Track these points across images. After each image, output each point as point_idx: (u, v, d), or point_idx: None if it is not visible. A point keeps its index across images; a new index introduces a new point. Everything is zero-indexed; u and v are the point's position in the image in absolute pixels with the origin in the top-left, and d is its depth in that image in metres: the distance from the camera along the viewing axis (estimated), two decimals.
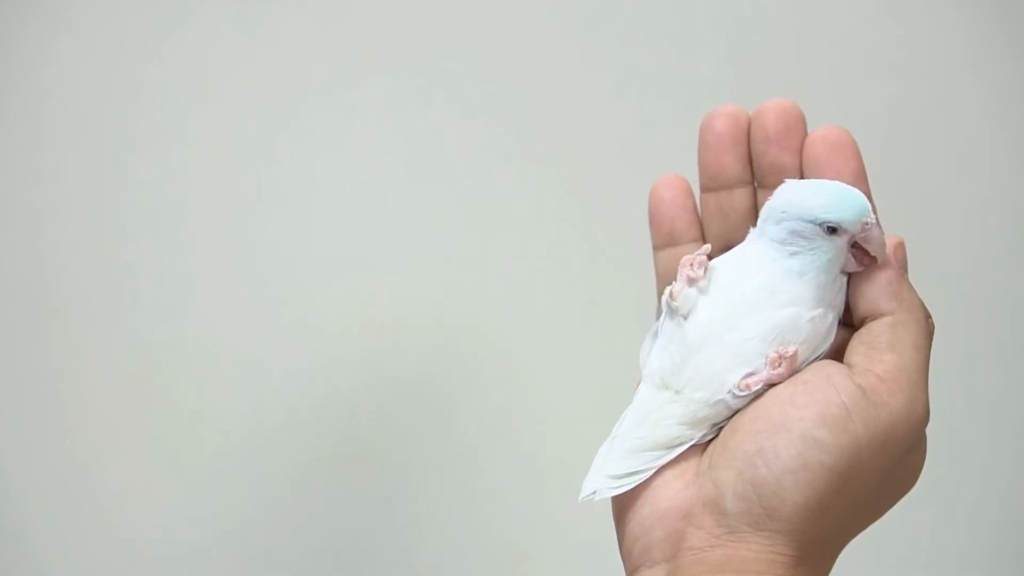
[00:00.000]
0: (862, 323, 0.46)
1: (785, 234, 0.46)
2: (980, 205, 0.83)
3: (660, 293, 0.49)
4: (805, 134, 0.48)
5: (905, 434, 0.43)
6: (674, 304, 0.47)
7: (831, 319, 0.46)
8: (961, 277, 0.83)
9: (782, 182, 0.47)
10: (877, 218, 0.47)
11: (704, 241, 0.50)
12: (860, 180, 0.47)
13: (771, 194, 0.47)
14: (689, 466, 0.45)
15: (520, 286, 0.84)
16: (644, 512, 0.45)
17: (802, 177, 0.48)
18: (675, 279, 0.48)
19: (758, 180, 0.49)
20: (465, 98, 0.83)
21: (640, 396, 0.47)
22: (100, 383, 0.84)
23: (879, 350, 0.44)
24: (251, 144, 0.84)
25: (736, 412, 0.45)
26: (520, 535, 0.85)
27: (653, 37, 0.83)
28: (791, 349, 0.45)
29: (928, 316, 0.46)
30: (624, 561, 0.46)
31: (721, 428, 0.46)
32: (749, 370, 0.45)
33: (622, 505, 0.46)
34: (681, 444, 0.46)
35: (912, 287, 0.46)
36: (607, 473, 0.46)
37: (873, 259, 0.46)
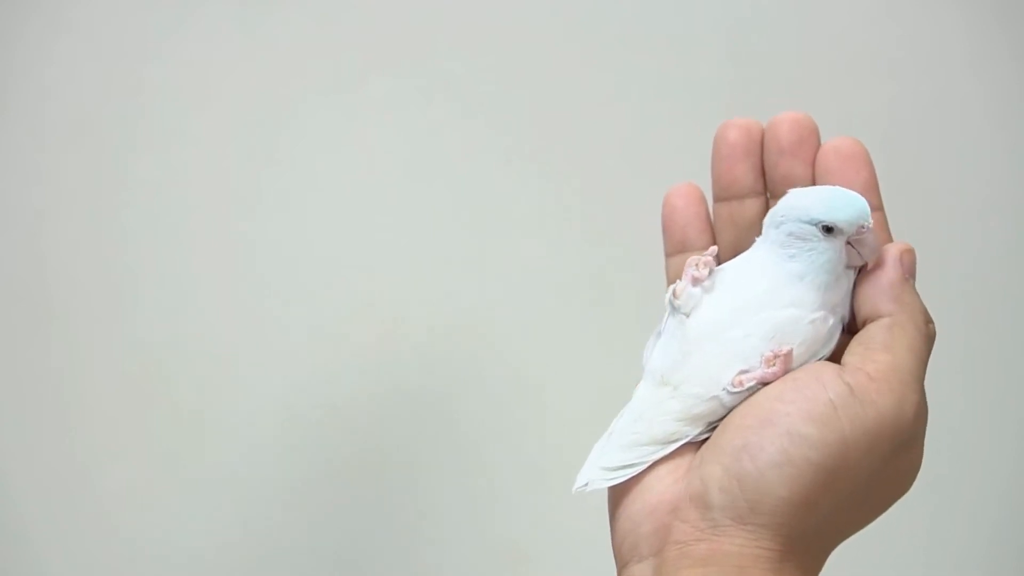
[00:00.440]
0: (863, 325, 0.46)
1: (784, 236, 0.47)
2: (980, 205, 0.83)
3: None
4: (818, 145, 0.49)
5: (893, 434, 0.43)
6: (677, 302, 0.48)
7: (832, 322, 0.46)
8: (961, 277, 0.83)
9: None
10: (887, 225, 0.48)
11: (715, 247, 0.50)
12: (870, 190, 0.48)
13: None
14: (682, 463, 0.46)
15: (520, 286, 0.84)
16: (635, 507, 0.45)
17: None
18: (679, 280, 0.48)
19: (770, 191, 0.50)
20: (465, 98, 0.84)
21: (639, 392, 0.48)
22: (100, 383, 0.84)
23: (873, 350, 0.45)
24: (251, 144, 0.84)
25: (731, 410, 0.46)
26: (521, 535, 0.85)
27: (653, 37, 0.83)
28: (786, 348, 0.45)
29: (929, 321, 0.46)
30: (615, 557, 0.46)
31: (716, 427, 0.46)
32: (745, 367, 0.45)
33: (615, 501, 0.47)
34: (676, 440, 0.46)
35: (915, 292, 0.47)
36: (601, 465, 0.47)
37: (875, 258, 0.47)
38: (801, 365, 0.46)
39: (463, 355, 0.84)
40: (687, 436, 0.46)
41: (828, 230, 0.46)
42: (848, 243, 0.46)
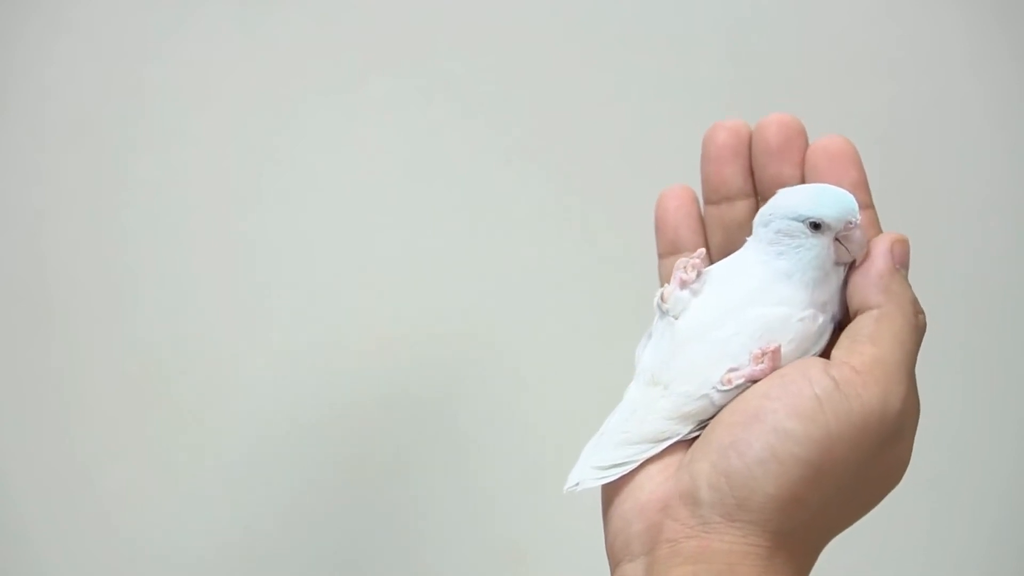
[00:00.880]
0: (855, 317, 0.47)
1: (772, 234, 0.47)
2: (980, 205, 0.83)
3: None
4: (806, 146, 0.49)
5: (879, 428, 0.43)
6: (664, 306, 0.48)
7: (821, 320, 0.47)
8: (961, 277, 0.83)
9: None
10: (878, 223, 0.48)
11: (707, 250, 0.50)
12: (859, 188, 0.48)
13: None
14: (673, 461, 0.46)
15: (519, 285, 0.84)
16: (626, 506, 0.46)
17: None
18: (667, 283, 0.49)
19: (760, 193, 0.50)
20: (465, 98, 0.84)
21: (630, 392, 0.48)
22: (100, 383, 0.84)
23: (860, 343, 0.45)
24: (251, 144, 0.84)
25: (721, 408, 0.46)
26: (519, 536, 0.85)
27: (653, 37, 0.83)
28: (774, 344, 0.45)
29: (919, 312, 0.46)
30: (608, 556, 0.46)
31: (706, 425, 0.46)
32: (734, 365, 0.45)
33: (607, 500, 0.47)
34: (667, 439, 0.46)
35: (906, 283, 0.46)
36: (592, 464, 0.47)
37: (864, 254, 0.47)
38: (789, 362, 0.46)
39: (462, 355, 0.84)
40: (678, 435, 0.46)
41: (815, 226, 0.46)
42: (836, 239, 0.46)
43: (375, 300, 0.84)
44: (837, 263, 0.47)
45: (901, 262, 0.46)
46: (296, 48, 0.83)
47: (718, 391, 0.45)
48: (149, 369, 0.84)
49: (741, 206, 0.50)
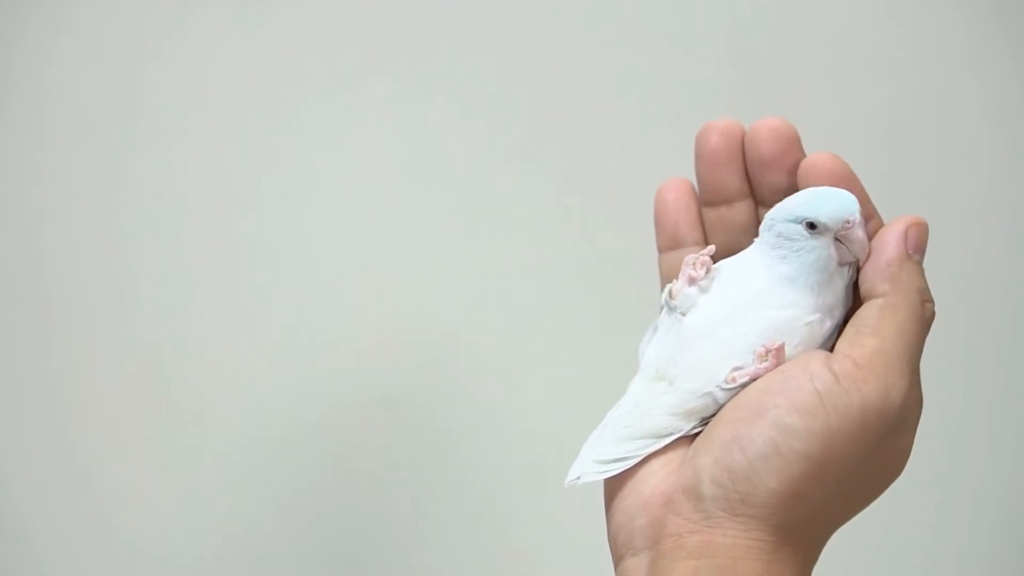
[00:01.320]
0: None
1: (774, 238, 0.47)
2: (980, 205, 0.83)
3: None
4: (801, 153, 0.48)
5: (879, 422, 0.43)
6: (672, 302, 0.48)
7: (829, 325, 0.46)
8: (961, 277, 0.83)
9: (782, 200, 0.47)
10: (878, 217, 0.47)
11: (707, 244, 0.50)
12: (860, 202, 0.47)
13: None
14: (676, 456, 0.46)
15: (519, 286, 0.84)
16: (629, 501, 0.46)
17: None
18: (675, 280, 0.48)
19: (759, 199, 0.49)
20: (465, 98, 0.84)
21: (633, 386, 0.48)
22: (100, 383, 0.84)
23: (863, 334, 0.44)
24: (251, 144, 0.84)
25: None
26: (519, 536, 0.85)
27: (653, 37, 0.83)
28: (778, 342, 0.45)
29: (927, 301, 0.45)
30: (611, 551, 0.46)
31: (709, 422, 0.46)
32: (739, 364, 0.45)
33: (610, 494, 0.47)
34: (670, 435, 0.46)
35: (917, 270, 0.45)
36: (594, 458, 0.47)
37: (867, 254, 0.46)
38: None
39: (462, 354, 0.84)
40: (680, 431, 0.46)
41: (812, 227, 0.46)
42: (837, 240, 0.46)
43: (375, 300, 0.84)
44: (841, 264, 0.46)
45: (915, 247, 0.46)
46: (296, 48, 0.83)
47: (722, 389, 0.45)
48: (149, 369, 0.84)
49: (740, 207, 0.49)
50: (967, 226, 0.83)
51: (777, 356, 0.45)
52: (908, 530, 0.84)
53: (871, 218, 0.47)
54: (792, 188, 0.48)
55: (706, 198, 0.50)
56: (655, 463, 0.46)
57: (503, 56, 0.83)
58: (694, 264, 0.47)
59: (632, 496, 0.45)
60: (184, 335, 0.84)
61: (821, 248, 0.46)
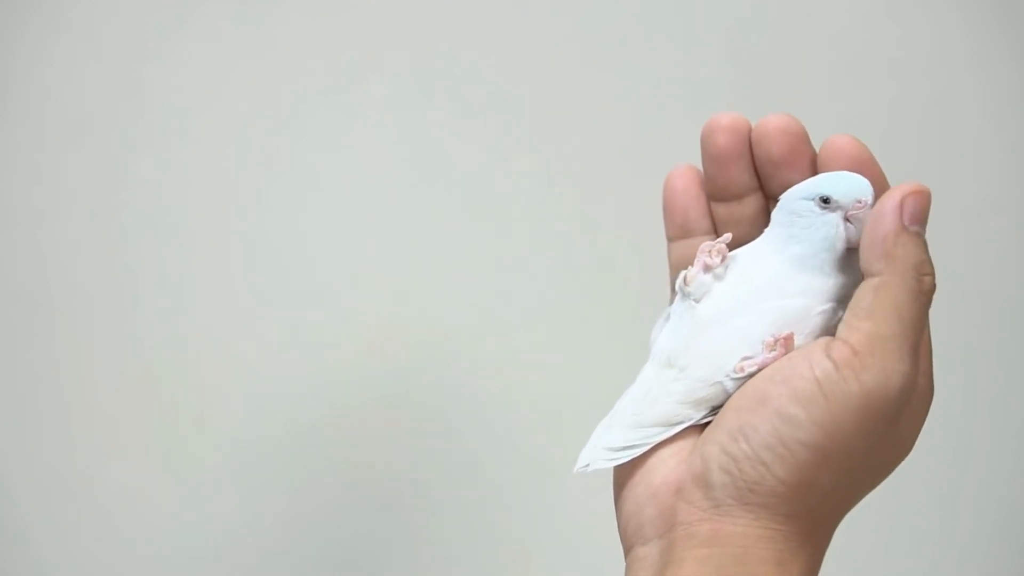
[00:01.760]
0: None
1: (786, 216, 0.46)
2: (980, 205, 0.83)
3: (673, 283, 0.49)
4: (811, 151, 0.47)
5: (881, 409, 0.42)
6: (687, 289, 0.47)
7: (841, 316, 0.46)
8: (961, 277, 0.83)
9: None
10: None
11: (716, 232, 0.50)
12: (878, 186, 0.46)
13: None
14: (687, 445, 0.45)
15: (520, 285, 0.84)
16: (639, 490, 0.45)
17: None
18: (690, 266, 0.48)
19: (768, 194, 0.49)
20: (465, 98, 0.83)
21: (644, 373, 0.48)
22: (100, 383, 0.84)
23: (859, 317, 0.43)
24: (251, 144, 0.84)
25: None
26: (523, 534, 0.85)
27: (653, 37, 0.83)
28: (787, 331, 0.45)
29: (925, 274, 0.44)
30: (621, 540, 0.46)
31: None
32: (749, 353, 0.45)
33: (619, 484, 0.47)
34: (680, 423, 0.46)
35: (915, 243, 0.44)
36: (603, 445, 0.46)
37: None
38: None
39: (464, 353, 0.84)
40: (690, 419, 0.46)
41: (825, 201, 0.45)
42: (847, 220, 0.46)
43: (375, 299, 0.84)
44: (849, 246, 0.46)
45: (914, 219, 0.44)
46: (296, 48, 0.83)
47: (731, 379, 0.45)
48: (149, 369, 0.84)
49: (750, 201, 0.49)
50: (967, 226, 0.83)
51: (786, 345, 0.45)
52: (909, 530, 0.84)
53: None
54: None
55: (715, 194, 0.49)
56: (665, 452, 0.46)
57: (503, 56, 0.83)
58: (710, 252, 0.47)
59: (642, 485, 0.45)
60: (184, 335, 0.84)
61: (830, 225, 0.46)
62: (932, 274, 0.44)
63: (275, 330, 0.84)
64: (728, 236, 0.48)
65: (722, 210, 0.49)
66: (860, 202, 0.45)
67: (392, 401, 0.85)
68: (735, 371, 0.45)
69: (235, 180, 0.84)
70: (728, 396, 0.45)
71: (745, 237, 0.49)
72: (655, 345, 0.48)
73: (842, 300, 0.46)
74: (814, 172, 0.47)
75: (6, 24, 0.82)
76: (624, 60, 0.83)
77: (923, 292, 0.44)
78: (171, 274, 0.84)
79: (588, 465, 0.46)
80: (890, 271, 0.43)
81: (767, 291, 0.46)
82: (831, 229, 0.46)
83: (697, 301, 0.47)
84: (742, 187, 0.49)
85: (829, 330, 0.45)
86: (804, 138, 0.47)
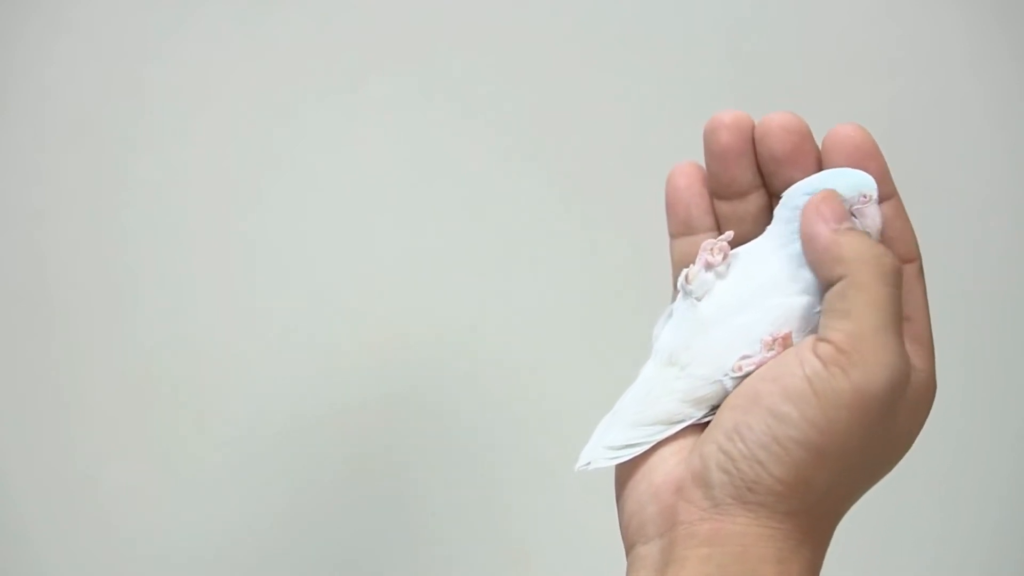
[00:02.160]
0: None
1: (789, 212, 0.46)
2: (980, 205, 0.83)
3: (675, 281, 0.49)
4: (814, 149, 0.47)
5: (871, 404, 0.42)
6: (689, 287, 0.47)
7: None
8: (961, 277, 0.83)
9: None
10: (904, 212, 0.46)
11: (719, 230, 0.49)
12: (881, 180, 0.46)
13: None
14: (687, 444, 0.45)
15: (520, 285, 0.84)
16: (640, 489, 0.45)
17: None
18: (692, 264, 0.48)
19: (772, 191, 0.49)
20: (465, 98, 0.83)
21: (646, 371, 0.48)
22: (100, 383, 0.84)
23: (835, 319, 0.43)
24: (251, 144, 0.84)
25: None
26: (524, 534, 0.85)
27: (653, 37, 0.83)
28: (785, 330, 0.45)
29: (884, 257, 0.44)
30: (623, 539, 0.46)
31: None
32: (747, 352, 0.45)
33: (621, 483, 0.47)
34: (681, 421, 0.46)
35: (854, 237, 0.44)
36: (604, 444, 0.46)
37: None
38: None
39: (464, 353, 0.84)
40: (691, 418, 0.46)
41: None
42: (851, 215, 0.45)
43: (375, 299, 0.84)
44: None
45: (837, 218, 0.44)
46: (296, 48, 0.83)
47: (730, 378, 0.45)
48: (149, 369, 0.84)
49: (753, 199, 0.49)
50: (967, 226, 0.83)
51: (783, 344, 0.45)
52: (909, 531, 0.84)
53: (891, 197, 0.47)
54: None
55: (718, 191, 0.49)
56: (666, 451, 0.46)
57: (503, 56, 0.83)
58: (712, 250, 0.47)
59: (643, 484, 0.45)
60: (184, 335, 0.84)
61: None
62: (887, 252, 0.44)
63: (275, 330, 0.84)
64: (730, 234, 0.48)
65: (725, 207, 0.49)
66: (864, 197, 0.45)
67: (392, 401, 0.85)
68: (733, 370, 0.45)
69: (235, 180, 0.84)
70: (728, 395, 0.45)
71: (748, 235, 0.49)
72: (657, 343, 0.48)
73: None
74: (817, 170, 0.47)
75: (6, 24, 0.82)
76: (624, 60, 0.83)
77: (888, 273, 0.44)
78: (171, 274, 0.84)
79: (589, 464, 0.46)
80: (849, 270, 0.43)
81: (769, 289, 0.46)
82: None
83: (699, 299, 0.47)
84: (745, 184, 0.48)
85: None
86: (807, 136, 0.47)
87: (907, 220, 0.47)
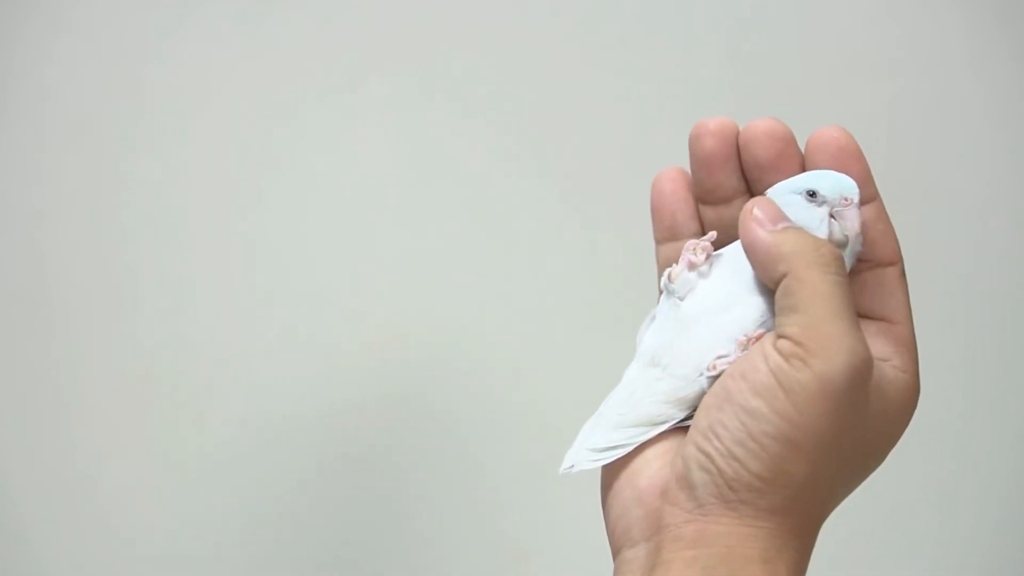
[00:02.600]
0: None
1: None
2: (980, 205, 0.83)
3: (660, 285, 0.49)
4: (798, 154, 0.48)
5: (837, 392, 0.42)
6: (671, 286, 0.47)
7: None
8: (961, 277, 0.83)
9: None
10: (886, 215, 0.47)
11: (704, 235, 0.50)
12: (864, 183, 0.47)
13: None
14: (671, 447, 0.45)
15: (519, 285, 0.84)
16: (625, 493, 0.45)
17: None
18: (675, 264, 0.48)
19: (755, 193, 0.49)
20: (465, 98, 0.84)
21: (629, 373, 0.48)
22: (100, 383, 0.84)
23: (786, 314, 0.43)
24: (251, 144, 0.84)
25: None
26: (521, 534, 0.85)
27: (653, 38, 0.83)
28: (760, 330, 0.45)
29: (822, 248, 0.44)
30: (610, 543, 0.46)
31: None
32: (723, 352, 0.45)
33: (606, 487, 0.47)
34: (663, 422, 0.46)
35: (789, 234, 0.45)
36: (588, 446, 0.46)
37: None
38: None
39: (464, 353, 0.84)
40: (674, 419, 0.46)
41: (812, 195, 0.46)
42: (832, 216, 0.46)
43: (375, 299, 0.84)
44: (832, 240, 0.46)
45: (772, 219, 0.45)
46: (296, 48, 0.83)
47: (706, 377, 0.45)
48: (149, 369, 0.84)
49: (738, 204, 0.49)
50: (967, 226, 0.83)
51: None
52: (909, 531, 0.84)
53: (873, 199, 0.47)
54: None
55: (703, 197, 0.49)
56: (650, 453, 0.46)
57: (503, 56, 0.83)
58: (694, 249, 0.47)
59: (628, 488, 0.45)
60: (184, 335, 0.84)
61: (815, 219, 0.46)
62: (824, 243, 0.45)
63: (275, 330, 0.84)
64: (713, 234, 0.48)
65: (710, 213, 0.50)
66: (846, 199, 0.46)
67: (392, 401, 0.85)
68: (708, 369, 0.45)
69: (235, 180, 0.84)
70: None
71: (732, 240, 0.49)
72: (641, 345, 0.48)
73: None
74: None
75: (6, 24, 0.82)
76: (624, 60, 0.83)
77: (828, 263, 0.44)
78: (171, 274, 0.84)
79: (573, 466, 0.46)
80: (790, 266, 0.44)
81: (751, 288, 0.46)
82: (815, 223, 0.46)
83: (681, 299, 0.47)
84: (730, 190, 0.49)
85: None
86: (791, 141, 0.48)
87: (889, 223, 0.48)
